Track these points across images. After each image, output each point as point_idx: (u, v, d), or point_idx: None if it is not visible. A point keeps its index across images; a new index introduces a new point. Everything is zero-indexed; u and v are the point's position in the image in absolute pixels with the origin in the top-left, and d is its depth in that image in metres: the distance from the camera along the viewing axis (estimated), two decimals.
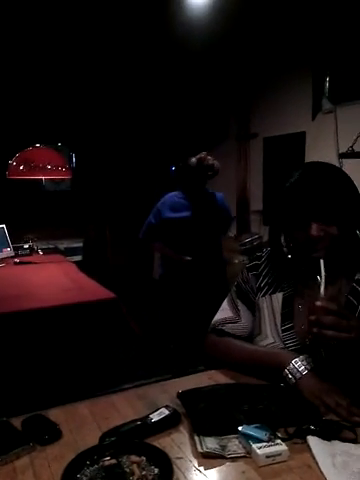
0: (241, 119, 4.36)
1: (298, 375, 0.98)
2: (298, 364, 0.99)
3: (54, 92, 4.45)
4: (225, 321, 1.21)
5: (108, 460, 0.75)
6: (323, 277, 0.95)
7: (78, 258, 4.87)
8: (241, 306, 1.21)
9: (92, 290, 2.71)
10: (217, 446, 0.82)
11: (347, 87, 3.03)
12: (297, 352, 1.05)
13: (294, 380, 0.98)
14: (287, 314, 1.12)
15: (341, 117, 3.05)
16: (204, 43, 3.60)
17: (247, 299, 1.21)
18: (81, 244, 5.25)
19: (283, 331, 1.11)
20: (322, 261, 0.96)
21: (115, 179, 5.34)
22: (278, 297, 1.14)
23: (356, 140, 2.61)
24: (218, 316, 1.24)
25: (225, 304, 1.24)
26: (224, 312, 1.23)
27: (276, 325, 1.13)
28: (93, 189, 5.41)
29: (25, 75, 4.11)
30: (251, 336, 1.20)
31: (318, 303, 0.91)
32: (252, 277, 1.20)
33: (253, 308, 1.19)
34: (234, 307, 1.22)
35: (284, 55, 3.59)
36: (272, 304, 1.15)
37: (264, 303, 1.16)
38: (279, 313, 1.13)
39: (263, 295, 1.17)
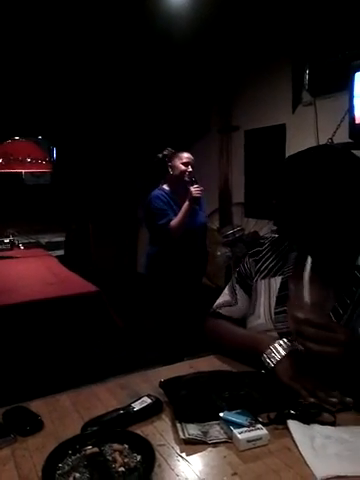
0: (223, 112, 4.37)
1: (275, 360, 0.99)
2: (276, 349, 1.00)
3: (33, 84, 4.37)
4: (223, 304, 1.26)
5: (90, 449, 0.75)
6: (308, 276, 0.92)
7: (60, 252, 4.83)
8: (239, 291, 1.25)
9: (74, 284, 2.70)
10: (199, 432, 0.83)
11: (326, 80, 3.06)
12: (286, 335, 1.05)
13: (272, 364, 0.99)
14: (282, 297, 1.13)
15: (320, 109, 3.08)
16: (185, 36, 3.58)
17: (245, 284, 1.24)
18: (63, 238, 5.20)
19: (276, 313, 1.13)
20: (309, 259, 0.95)
21: (97, 172, 5.30)
22: (276, 280, 1.16)
23: (335, 132, 2.64)
24: (218, 300, 1.30)
25: (226, 289, 1.30)
26: (223, 296, 1.29)
27: (270, 307, 1.14)
28: (74, 182, 5.35)
29: (3, 67, 4.02)
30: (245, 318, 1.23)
31: (300, 315, 0.88)
32: (252, 262, 1.23)
33: (250, 293, 1.22)
34: (232, 291, 1.26)
35: (264, 48, 3.60)
36: (270, 287, 1.17)
37: (262, 286, 1.19)
38: (275, 296, 1.15)
39: (262, 278, 1.19)
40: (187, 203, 2.51)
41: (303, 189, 0.98)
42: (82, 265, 4.39)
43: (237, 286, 1.26)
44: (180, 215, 2.51)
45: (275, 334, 1.10)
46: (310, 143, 3.10)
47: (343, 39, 2.94)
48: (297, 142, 3.34)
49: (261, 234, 3.61)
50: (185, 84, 4.49)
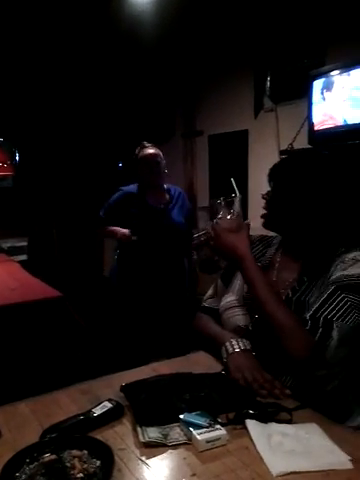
0: (187, 116, 4.40)
1: (229, 352, 1.04)
2: (233, 343, 1.06)
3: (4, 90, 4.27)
4: (207, 298, 1.35)
5: (48, 456, 0.74)
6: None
7: (23, 257, 4.71)
8: (220, 284, 1.32)
9: (37, 289, 2.64)
10: (159, 435, 0.83)
11: (286, 87, 3.15)
12: (252, 313, 1.13)
13: (225, 357, 1.04)
14: None
15: (281, 115, 3.16)
16: (150, 41, 3.59)
17: (226, 278, 1.30)
18: (26, 243, 5.08)
19: (246, 298, 1.18)
20: (232, 179, 1.12)
21: (61, 175, 5.22)
22: None
23: (295, 138, 2.72)
24: (205, 295, 1.37)
25: (213, 285, 1.37)
26: (209, 290, 1.37)
27: (243, 289, 1.21)
28: (38, 186, 5.25)
29: None
30: None
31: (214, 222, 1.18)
32: None
33: (228, 283, 1.29)
34: (215, 285, 1.35)
35: (227, 54, 3.66)
36: None
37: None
38: None
39: None
40: (119, 233, 2.46)
41: (292, 187, 1.12)
42: (46, 270, 4.31)
43: (219, 280, 1.33)
44: (108, 232, 2.54)
45: (241, 310, 1.17)
46: (271, 148, 3.19)
47: (303, 48, 3.04)
48: (259, 147, 3.42)
49: None
50: (150, 88, 4.51)
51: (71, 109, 4.84)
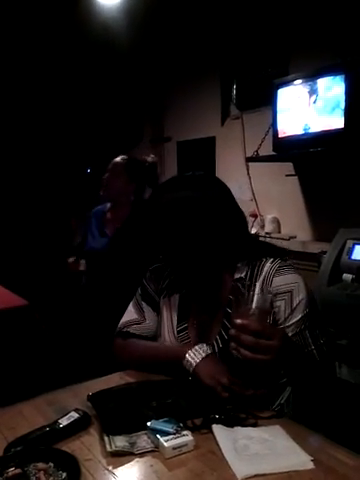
0: (155, 122, 4.41)
1: (194, 363, 1.02)
2: (193, 353, 1.04)
3: None
4: (130, 323, 1.23)
5: (12, 471, 0.73)
6: (259, 284, 1.00)
7: None
8: (145, 307, 1.24)
9: (2, 298, 2.58)
10: (126, 444, 0.83)
11: (252, 95, 3.21)
12: None
13: (192, 369, 1.02)
14: (183, 314, 1.17)
15: (247, 123, 3.21)
16: (118, 46, 3.59)
17: (151, 300, 1.24)
18: None
19: (179, 332, 1.16)
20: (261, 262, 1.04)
21: (26, 182, 5.12)
22: (175, 298, 1.20)
23: (260, 145, 2.77)
24: (123, 319, 1.26)
25: (130, 307, 1.27)
26: (129, 314, 1.25)
27: (172, 326, 1.18)
28: (1, 190, 5.14)
29: None
30: (156, 337, 1.23)
31: (238, 321, 0.88)
32: (154, 279, 1.24)
33: (157, 309, 1.23)
34: (139, 309, 1.24)
35: (194, 61, 3.70)
36: (170, 305, 1.20)
37: (164, 305, 1.21)
38: (176, 314, 1.18)
39: (163, 297, 1.22)
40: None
41: (171, 229, 1.08)
42: (11, 277, 4.21)
43: (143, 303, 1.24)
44: None
45: None
46: (238, 155, 3.24)
47: (267, 57, 3.11)
48: (226, 154, 3.46)
49: None
50: (117, 94, 4.50)
51: (36, 114, 4.76)
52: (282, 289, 1.05)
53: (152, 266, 1.26)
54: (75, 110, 4.74)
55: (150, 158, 2.38)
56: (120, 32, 3.31)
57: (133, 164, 2.31)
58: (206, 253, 1.08)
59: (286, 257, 1.13)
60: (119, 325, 1.25)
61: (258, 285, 1.06)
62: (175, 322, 1.17)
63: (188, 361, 1.03)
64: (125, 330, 1.23)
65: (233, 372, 0.99)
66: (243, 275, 1.10)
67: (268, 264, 1.09)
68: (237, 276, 1.11)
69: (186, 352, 1.04)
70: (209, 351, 1.04)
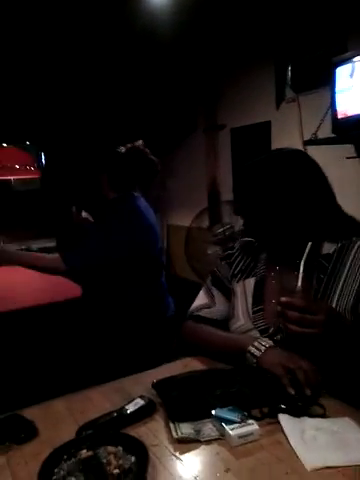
0: (208, 111, 4.38)
1: (258, 353, 1.01)
2: (257, 345, 1.03)
3: (19, 89, 4.35)
4: (201, 307, 1.27)
5: (85, 453, 0.76)
6: (303, 262, 0.96)
7: None
8: (216, 292, 1.27)
9: (68, 289, 2.70)
10: (192, 431, 0.84)
11: (308, 76, 3.08)
12: (266, 332, 1.11)
13: (255, 360, 1.01)
14: (258, 297, 1.18)
15: (304, 105, 3.10)
16: (168, 36, 3.58)
17: (222, 286, 1.27)
18: (54, 244, 5.18)
19: (254, 312, 1.16)
20: (310, 244, 0.98)
21: (85, 176, 5.29)
22: (250, 282, 1.21)
23: (319, 127, 2.67)
24: (194, 304, 1.30)
25: (201, 293, 1.31)
26: (200, 299, 1.30)
27: (247, 307, 1.18)
28: (64, 187, 5.34)
29: None
30: (226, 320, 1.25)
31: (283, 299, 0.92)
32: (226, 265, 1.27)
33: (228, 294, 1.25)
34: (209, 294, 1.28)
35: (246, 46, 3.62)
36: (245, 288, 1.21)
37: (238, 288, 1.23)
38: (251, 296, 1.19)
39: (237, 281, 1.24)
40: None
41: (260, 192, 1.09)
42: None
43: (214, 288, 1.28)
44: None
45: (256, 332, 1.13)
46: (295, 139, 3.14)
47: (324, 35, 2.97)
48: (282, 138, 3.37)
49: None
50: (169, 84, 4.50)
51: (92, 108, 4.88)
52: None
53: (223, 254, 1.30)
54: (128, 101, 4.80)
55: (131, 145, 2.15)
56: (171, 20, 3.31)
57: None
58: (293, 218, 1.07)
59: None
60: (190, 309, 1.30)
61: (347, 265, 1.06)
62: (250, 304, 1.18)
63: (252, 352, 1.02)
64: (195, 314, 1.27)
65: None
66: (331, 252, 1.10)
67: (358, 244, 1.08)
68: (324, 253, 1.10)
69: (250, 343, 1.03)
70: (272, 344, 1.03)
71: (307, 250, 0.97)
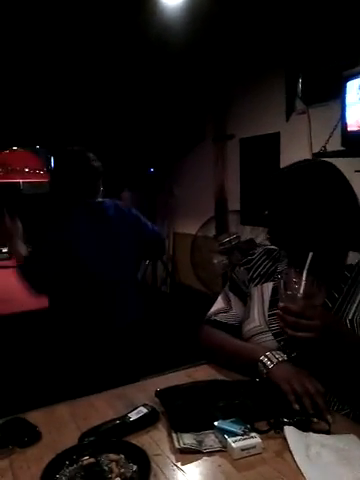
0: (217, 120, 4.40)
1: (270, 365, 1.01)
2: (270, 356, 1.03)
3: (30, 94, 4.40)
4: (218, 312, 1.30)
5: (87, 459, 0.76)
6: (306, 271, 0.98)
7: None
8: (232, 297, 1.29)
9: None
10: (194, 441, 0.84)
11: (319, 88, 3.09)
12: (280, 335, 1.11)
13: (265, 371, 1.01)
14: (274, 301, 1.18)
15: (314, 117, 3.11)
16: (179, 45, 3.61)
17: (239, 290, 1.29)
18: None
19: (269, 316, 1.17)
20: (311, 254, 1.00)
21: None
22: (268, 286, 1.22)
23: (328, 140, 2.67)
24: (212, 308, 1.33)
25: (219, 298, 1.34)
26: (217, 304, 1.33)
27: (263, 310, 1.19)
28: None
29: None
30: (241, 325, 1.26)
31: (280, 304, 0.98)
32: (244, 270, 1.29)
33: (244, 298, 1.27)
34: (226, 298, 1.31)
35: (257, 57, 3.64)
36: (262, 292, 1.23)
37: (255, 292, 1.24)
38: (268, 300, 1.20)
39: (255, 285, 1.25)
40: None
41: (291, 200, 1.10)
42: None
43: (231, 293, 1.30)
44: None
45: (269, 335, 1.14)
46: (304, 151, 3.14)
47: (335, 48, 2.98)
48: (291, 150, 3.37)
49: (257, 241, 3.62)
50: (179, 93, 4.53)
51: (102, 116, 4.92)
52: None
53: (243, 260, 1.32)
54: (137, 110, 4.84)
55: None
56: (182, 30, 3.33)
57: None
58: (321, 229, 1.08)
59: None
60: (207, 314, 1.32)
61: None
62: (266, 306, 1.19)
63: (264, 362, 1.02)
64: (212, 319, 1.29)
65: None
66: (354, 263, 1.12)
67: None
68: (348, 263, 1.12)
69: (263, 354, 1.04)
70: (286, 358, 1.03)
71: (308, 260, 0.99)
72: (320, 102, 3.06)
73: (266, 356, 1.03)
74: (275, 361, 1.01)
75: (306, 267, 0.98)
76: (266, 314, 1.18)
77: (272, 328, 1.15)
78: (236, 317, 1.27)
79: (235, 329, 1.25)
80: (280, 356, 1.03)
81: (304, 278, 0.97)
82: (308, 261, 0.99)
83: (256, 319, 1.19)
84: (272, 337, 1.13)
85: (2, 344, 2.20)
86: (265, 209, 1.16)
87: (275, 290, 1.19)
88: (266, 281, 1.23)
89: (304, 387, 0.93)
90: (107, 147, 5.27)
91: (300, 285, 0.97)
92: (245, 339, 1.20)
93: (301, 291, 0.97)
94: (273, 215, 1.15)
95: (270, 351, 1.05)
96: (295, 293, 0.97)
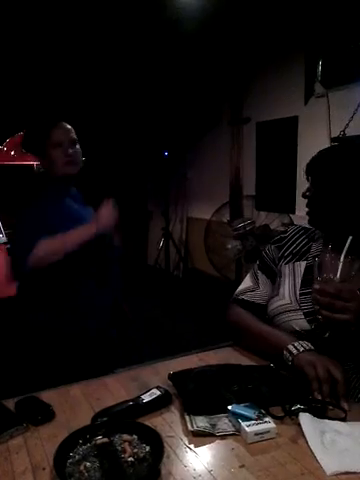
0: (234, 104, 4.33)
1: (296, 352, 1.00)
2: (297, 345, 1.01)
3: (45, 76, 4.38)
4: (245, 291, 1.29)
5: (100, 439, 0.77)
6: (344, 255, 0.97)
7: None
8: (261, 276, 1.28)
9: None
10: (207, 425, 0.84)
11: (339, 71, 3.01)
12: (311, 314, 1.09)
13: (291, 358, 0.99)
14: (307, 281, 1.16)
15: (333, 101, 3.04)
16: (197, 27, 3.55)
17: (268, 269, 1.28)
18: None
19: (301, 294, 1.15)
20: (350, 238, 0.99)
21: (107, 166, 5.31)
22: (301, 265, 1.20)
23: (348, 124, 2.61)
24: (239, 288, 1.32)
25: (247, 277, 1.33)
26: (245, 283, 1.31)
27: (295, 288, 1.18)
28: (85, 176, 5.38)
29: (14, 59, 4.04)
30: (267, 305, 1.25)
31: (315, 286, 0.96)
32: (275, 248, 1.28)
33: (273, 276, 1.26)
34: (254, 278, 1.30)
35: (276, 39, 3.55)
36: (294, 270, 1.21)
37: (286, 269, 1.22)
38: (300, 278, 1.18)
39: (286, 263, 1.23)
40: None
41: (335, 182, 1.08)
42: None
43: (259, 272, 1.29)
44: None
45: (300, 313, 1.12)
46: (322, 135, 3.08)
47: (356, 31, 2.90)
48: (309, 134, 3.31)
49: (272, 227, 3.59)
50: (196, 76, 4.47)
51: (117, 98, 4.88)
52: None
53: (275, 238, 1.30)
54: (153, 94, 4.79)
55: None
56: (199, 12, 3.27)
57: None
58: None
59: None
60: (235, 293, 1.31)
61: None
62: (298, 285, 1.17)
63: (290, 349, 1.01)
64: (240, 298, 1.29)
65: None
66: None
67: None
68: None
69: (290, 342, 1.03)
70: (313, 348, 1.02)
71: (348, 243, 0.98)
72: (340, 85, 2.99)
73: (293, 344, 1.02)
74: (301, 349, 1.00)
75: (345, 250, 0.97)
76: (298, 292, 1.16)
77: (303, 307, 1.13)
78: (263, 296, 1.26)
79: (262, 308, 1.24)
80: (307, 345, 1.01)
81: (342, 261, 0.96)
82: (347, 244, 0.98)
83: (286, 297, 1.18)
84: (303, 316, 1.11)
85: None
86: (309, 189, 1.14)
87: (308, 269, 1.17)
88: (299, 260, 1.21)
89: (327, 373, 0.92)
90: (122, 130, 5.25)
91: (337, 268, 0.96)
92: (271, 316, 1.19)
93: (338, 274, 0.96)
94: (315, 196, 1.13)
95: (297, 340, 1.03)
96: (331, 276, 0.97)
